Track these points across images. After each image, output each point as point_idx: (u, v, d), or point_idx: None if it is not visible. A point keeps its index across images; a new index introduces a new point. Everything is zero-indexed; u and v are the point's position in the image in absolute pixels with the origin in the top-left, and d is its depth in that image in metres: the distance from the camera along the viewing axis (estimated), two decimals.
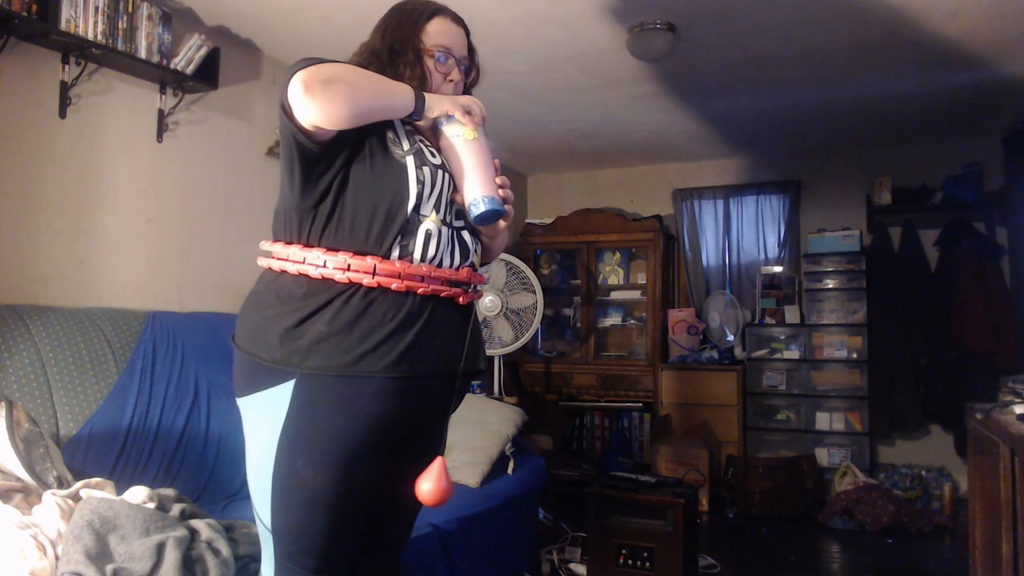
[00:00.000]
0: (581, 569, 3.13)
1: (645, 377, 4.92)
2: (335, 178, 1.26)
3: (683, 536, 2.73)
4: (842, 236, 4.63)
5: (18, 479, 1.64)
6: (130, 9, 2.53)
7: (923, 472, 4.35)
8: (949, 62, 3.30)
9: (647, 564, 2.75)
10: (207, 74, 2.82)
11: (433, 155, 1.36)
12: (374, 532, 1.43)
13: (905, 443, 4.68)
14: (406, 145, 1.32)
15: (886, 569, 3.40)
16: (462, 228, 1.37)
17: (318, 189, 1.26)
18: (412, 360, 1.26)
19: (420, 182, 1.28)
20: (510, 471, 2.98)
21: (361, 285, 1.23)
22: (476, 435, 2.92)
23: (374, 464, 1.29)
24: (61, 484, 1.69)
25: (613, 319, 5.20)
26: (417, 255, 1.28)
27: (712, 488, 4.31)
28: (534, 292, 4.02)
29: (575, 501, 3.65)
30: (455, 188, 1.36)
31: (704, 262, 5.23)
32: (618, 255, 5.23)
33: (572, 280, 5.30)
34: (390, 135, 1.32)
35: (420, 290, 1.27)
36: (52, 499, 1.55)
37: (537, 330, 4.21)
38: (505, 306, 4.02)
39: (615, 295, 5.22)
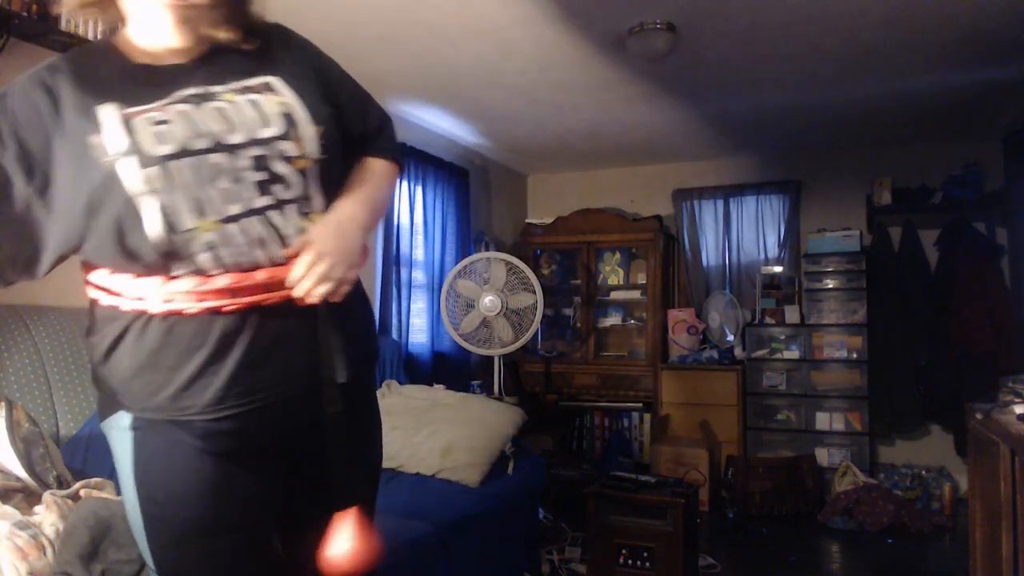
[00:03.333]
0: (581, 569, 3.13)
1: (645, 377, 4.92)
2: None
3: (683, 536, 2.73)
4: (842, 236, 4.63)
5: (18, 479, 1.64)
6: None
7: (923, 472, 4.35)
8: (949, 62, 3.31)
9: (647, 564, 2.74)
10: None
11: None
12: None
13: (905, 443, 4.68)
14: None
15: (886, 569, 3.40)
16: (266, 208, 1.04)
17: None
18: (240, 391, 1.04)
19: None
20: (510, 471, 2.98)
21: (149, 312, 1.02)
22: (476, 435, 2.92)
23: (227, 497, 1.07)
24: (61, 484, 1.69)
25: (613, 319, 5.20)
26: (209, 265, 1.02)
27: (712, 488, 4.31)
28: (534, 292, 4.02)
29: (575, 501, 3.65)
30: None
31: (704, 262, 5.23)
32: (618, 255, 5.23)
33: (572, 280, 5.30)
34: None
35: (229, 308, 1.02)
36: (52, 499, 1.55)
37: (537, 330, 4.21)
38: (505, 306, 4.02)
39: (615, 295, 5.22)
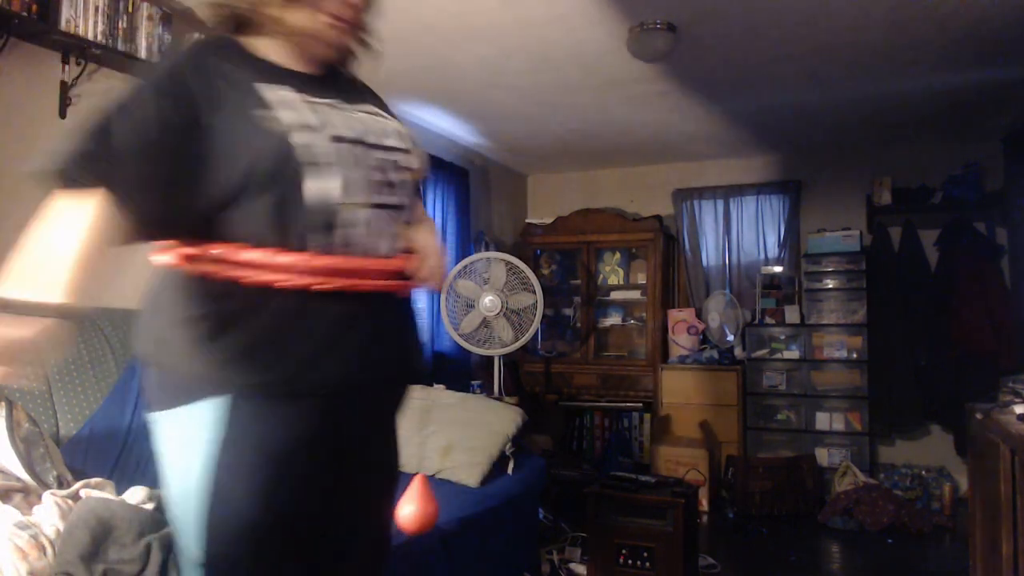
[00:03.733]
0: (581, 569, 3.13)
1: (645, 377, 4.92)
2: None
3: (683, 536, 2.73)
4: (842, 236, 4.63)
5: (18, 479, 1.65)
6: (130, 9, 2.53)
7: (923, 472, 4.35)
8: (949, 62, 3.31)
9: (647, 564, 2.75)
10: None
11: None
12: (338, 563, 1.23)
13: (905, 443, 4.68)
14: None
15: (886, 569, 3.40)
16: (390, 206, 1.16)
17: None
18: (351, 370, 1.11)
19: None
20: (510, 471, 2.98)
21: (276, 286, 1.05)
22: (476, 435, 2.92)
23: (314, 485, 1.13)
24: (61, 484, 1.69)
25: (613, 319, 5.20)
26: (347, 245, 1.10)
27: (712, 488, 4.31)
28: (534, 292, 4.02)
29: (575, 501, 3.64)
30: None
31: (704, 262, 5.23)
32: (618, 255, 5.23)
33: (572, 280, 5.30)
34: None
35: (354, 289, 1.09)
36: (52, 499, 1.55)
37: (537, 330, 4.21)
38: (505, 306, 4.02)
39: (615, 295, 5.22)
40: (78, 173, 1.00)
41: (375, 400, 1.19)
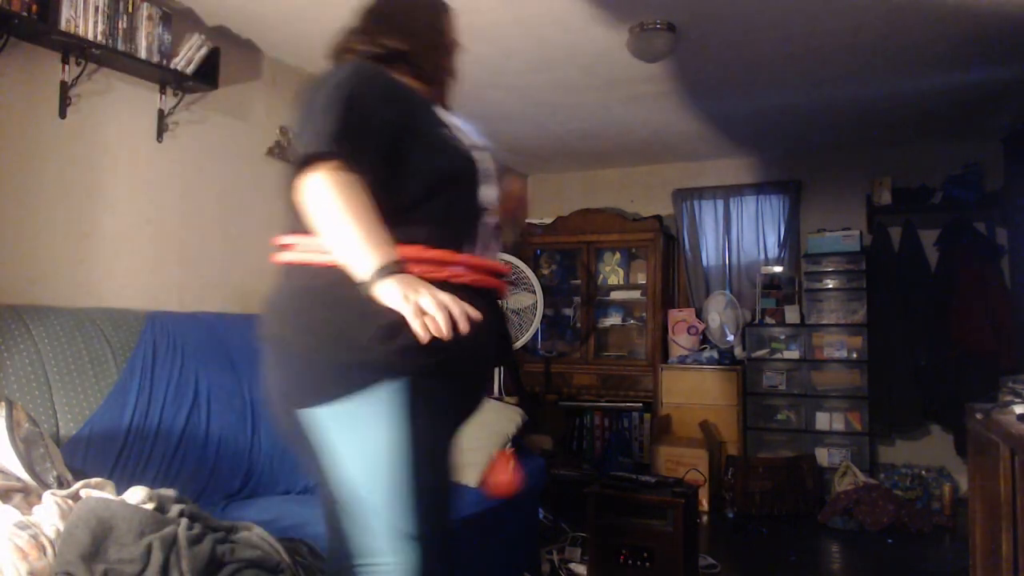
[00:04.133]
0: (581, 569, 3.13)
1: (645, 377, 4.92)
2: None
3: (683, 536, 2.73)
4: (842, 236, 4.63)
5: (18, 479, 1.64)
6: (130, 9, 2.53)
7: (923, 472, 4.35)
8: (949, 62, 3.31)
9: (647, 564, 2.75)
10: (207, 74, 2.81)
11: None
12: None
13: (905, 443, 4.68)
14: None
15: (886, 569, 3.40)
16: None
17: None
18: (484, 355, 1.33)
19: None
20: None
21: (441, 279, 1.20)
22: (476, 435, 2.92)
23: (452, 450, 1.35)
24: (61, 484, 1.69)
25: (613, 319, 5.20)
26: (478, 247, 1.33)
27: (712, 488, 4.31)
28: (534, 292, 4.02)
29: (575, 501, 3.64)
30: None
31: (704, 262, 5.23)
32: (618, 255, 5.23)
33: (572, 280, 5.30)
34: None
35: (486, 283, 1.30)
36: (52, 499, 1.55)
37: (537, 330, 4.21)
38: (505, 306, 4.02)
39: (615, 295, 5.22)
40: (340, 155, 1.16)
41: (487, 378, 1.47)
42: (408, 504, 1.18)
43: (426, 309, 1.09)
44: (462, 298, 1.16)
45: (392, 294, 1.09)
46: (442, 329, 1.09)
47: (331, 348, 1.18)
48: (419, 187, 1.24)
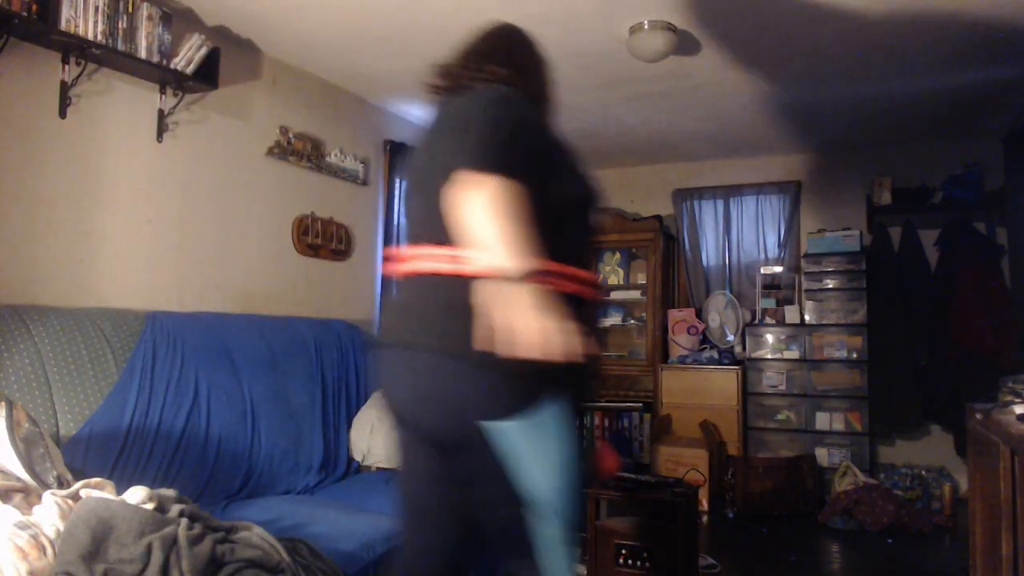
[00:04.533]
0: (581, 569, 3.13)
1: (645, 377, 4.92)
2: None
3: (683, 536, 2.73)
4: (842, 236, 4.63)
5: (18, 479, 1.65)
6: (130, 9, 2.53)
7: (923, 472, 4.35)
8: (949, 62, 3.31)
9: (647, 564, 2.74)
10: (207, 74, 2.81)
11: None
12: None
13: (905, 443, 4.68)
14: None
15: (886, 569, 3.39)
16: None
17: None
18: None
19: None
20: None
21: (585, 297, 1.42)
22: None
23: None
24: (61, 484, 1.69)
25: (613, 319, 5.20)
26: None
27: (712, 488, 4.31)
28: None
29: None
30: None
31: (704, 262, 5.23)
32: (618, 255, 5.23)
33: None
34: None
35: (598, 298, 1.59)
36: (52, 499, 1.55)
37: None
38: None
39: (615, 295, 5.22)
40: (507, 172, 1.25)
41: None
42: (571, 498, 1.42)
43: (570, 343, 1.24)
44: (585, 312, 1.38)
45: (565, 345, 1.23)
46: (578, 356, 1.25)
47: (518, 369, 1.27)
48: (556, 207, 1.38)
